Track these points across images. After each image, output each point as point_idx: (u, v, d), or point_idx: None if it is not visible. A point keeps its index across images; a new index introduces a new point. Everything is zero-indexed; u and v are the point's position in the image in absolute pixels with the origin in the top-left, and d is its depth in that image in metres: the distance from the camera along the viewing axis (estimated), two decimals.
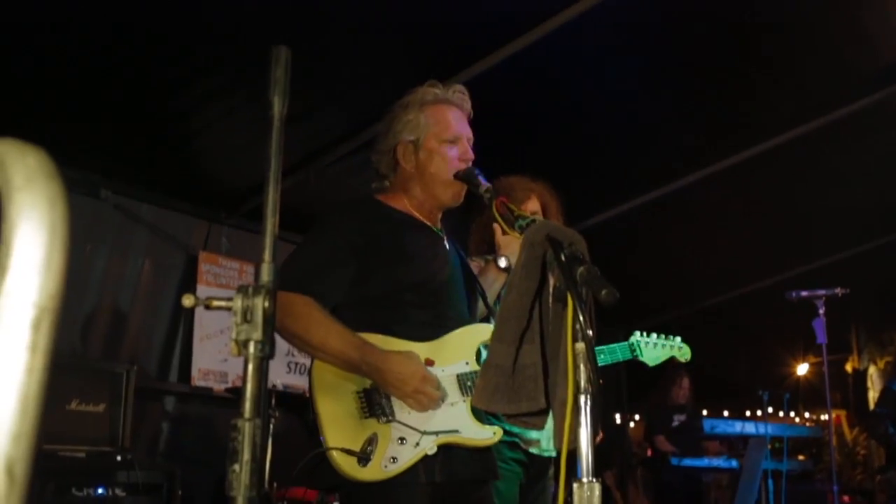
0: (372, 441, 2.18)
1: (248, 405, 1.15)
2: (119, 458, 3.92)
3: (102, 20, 3.64)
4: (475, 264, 3.00)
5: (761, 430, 6.31)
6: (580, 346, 1.49)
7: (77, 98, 4.18)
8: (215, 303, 1.20)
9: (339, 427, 2.20)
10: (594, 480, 1.48)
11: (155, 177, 5.12)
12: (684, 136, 5.33)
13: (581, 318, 1.48)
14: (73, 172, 4.61)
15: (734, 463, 6.73)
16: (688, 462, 6.74)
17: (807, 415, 10.08)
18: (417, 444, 2.20)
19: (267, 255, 1.22)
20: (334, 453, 2.15)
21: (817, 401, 9.41)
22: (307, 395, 2.31)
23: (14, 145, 0.79)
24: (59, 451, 3.75)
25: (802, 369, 9.13)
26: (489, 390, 1.72)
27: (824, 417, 9.16)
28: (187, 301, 1.17)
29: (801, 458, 7.50)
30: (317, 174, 4.88)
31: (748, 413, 9.40)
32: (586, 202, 5.81)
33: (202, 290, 5.42)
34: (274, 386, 4.73)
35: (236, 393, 4.82)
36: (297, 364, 5.65)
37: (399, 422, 2.21)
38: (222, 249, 5.64)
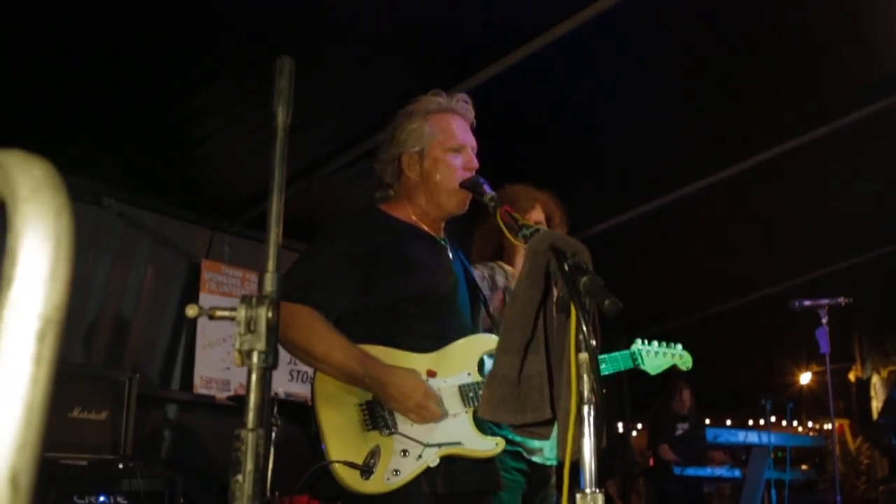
0: (374, 453, 2.17)
1: (251, 415, 1.15)
2: (121, 465, 3.91)
3: (106, 27, 3.65)
4: (479, 272, 3.01)
5: (764, 439, 6.30)
6: (583, 356, 1.49)
7: (80, 106, 4.19)
8: (219, 313, 1.20)
9: (341, 439, 2.19)
10: (597, 491, 1.48)
11: (158, 185, 5.13)
12: (687, 144, 5.33)
13: (584, 328, 1.48)
14: (76, 180, 4.62)
15: (737, 472, 6.71)
16: (690, 472, 6.73)
17: (810, 424, 10.06)
18: (420, 456, 2.20)
19: (271, 265, 1.22)
20: (337, 466, 2.14)
21: (820, 410, 9.40)
22: (309, 403, 2.31)
23: (20, 156, 0.80)
24: (61, 459, 3.74)
25: (805, 378, 9.12)
26: (495, 401, 1.72)
27: (827, 426, 9.14)
28: (191, 311, 1.17)
29: (804, 467, 7.48)
30: (319, 183, 4.89)
31: (751, 422, 9.38)
32: (590, 210, 5.82)
33: (205, 298, 5.42)
34: (276, 394, 4.73)
35: (238, 401, 4.85)
36: (299, 372, 5.65)
37: (401, 434, 2.21)
38: (225, 257, 5.65)
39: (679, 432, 7.25)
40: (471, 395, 2.31)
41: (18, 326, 0.72)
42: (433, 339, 2.35)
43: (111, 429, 4.07)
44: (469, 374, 2.35)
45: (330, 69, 4.03)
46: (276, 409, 4.29)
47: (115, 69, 3.96)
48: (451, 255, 2.55)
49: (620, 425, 9.25)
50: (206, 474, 4.95)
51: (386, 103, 2.85)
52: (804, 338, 5.40)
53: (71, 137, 4.40)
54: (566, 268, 1.56)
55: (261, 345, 1.15)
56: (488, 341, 2.43)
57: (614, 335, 7.51)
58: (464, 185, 2.44)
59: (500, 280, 3.28)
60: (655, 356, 3.33)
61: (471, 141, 2.53)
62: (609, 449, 6.68)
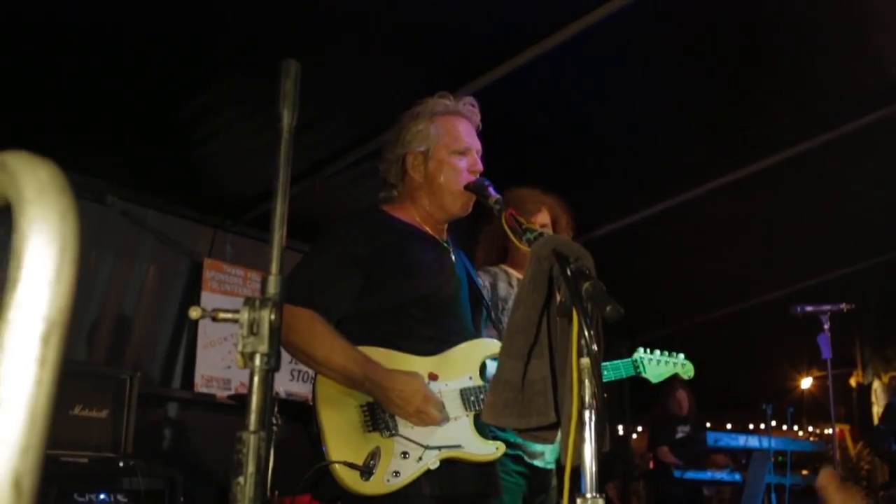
0: (375, 455, 2.18)
1: (253, 417, 1.15)
2: (121, 464, 3.91)
3: (110, 27, 3.65)
4: (480, 280, 3.00)
5: (765, 443, 6.29)
6: (585, 361, 1.49)
7: (84, 104, 4.20)
8: (222, 315, 1.20)
9: (342, 440, 2.19)
10: (598, 496, 1.48)
11: (161, 183, 5.14)
12: (690, 149, 5.33)
13: (586, 333, 1.48)
14: (79, 178, 4.62)
15: (737, 476, 6.71)
16: (690, 475, 6.72)
17: (810, 428, 10.05)
18: (420, 458, 2.20)
19: (274, 268, 1.22)
20: (337, 466, 2.14)
21: (821, 415, 9.40)
22: (310, 403, 2.31)
23: (26, 158, 0.80)
24: (62, 457, 3.74)
25: (806, 383, 9.12)
26: (499, 405, 1.72)
27: (828, 431, 9.13)
28: (194, 313, 1.17)
29: (804, 472, 7.45)
30: (323, 183, 4.89)
31: (751, 426, 9.37)
32: (592, 214, 5.82)
33: (206, 297, 5.43)
34: (277, 393, 4.73)
35: (239, 400, 4.85)
36: (300, 371, 5.66)
37: (402, 436, 2.21)
38: (227, 256, 5.65)
39: (680, 435, 7.25)
40: (472, 398, 2.31)
41: (23, 328, 0.72)
42: (435, 341, 2.35)
43: (112, 427, 4.07)
44: (471, 377, 2.35)
45: (333, 69, 4.03)
46: (276, 409, 4.30)
47: (120, 68, 3.96)
48: (453, 258, 2.55)
49: (621, 428, 9.25)
50: (207, 473, 4.95)
51: (389, 104, 2.85)
52: (805, 342, 5.40)
53: (75, 135, 4.41)
54: (569, 273, 1.56)
55: (263, 347, 1.15)
56: (490, 345, 2.43)
57: (615, 338, 7.53)
58: (468, 187, 2.44)
59: (503, 288, 3.28)
60: (657, 364, 3.34)
61: (476, 144, 2.54)
62: (610, 452, 6.67)
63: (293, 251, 4.22)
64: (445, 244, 2.56)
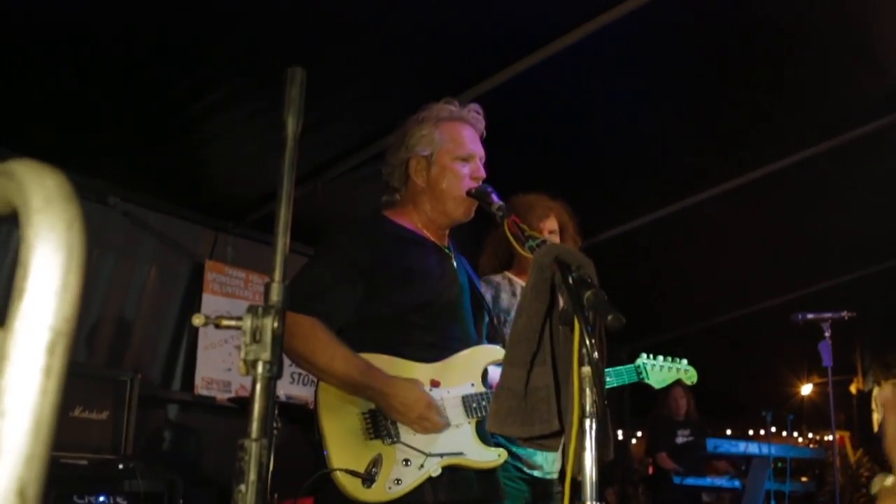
0: (376, 462, 2.17)
1: (255, 425, 1.15)
2: (121, 466, 3.91)
3: (113, 28, 3.66)
4: (483, 289, 3.00)
5: (764, 450, 6.29)
6: (586, 369, 1.50)
7: (87, 105, 4.20)
8: (225, 322, 1.20)
9: (343, 447, 2.19)
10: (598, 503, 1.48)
11: (163, 185, 5.14)
12: (693, 155, 5.33)
13: (587, 342, 1.48)
14: (81, 178, 4.62)
15: (737, 483, 6.70)
16: (690, 481, 6.72)
17: (810, 435, 10.04)
18: (422, 466, 2.20)
19: (277, 275, 1.22)
20: (338, 474, 2.14)
21: (821, 421, 9.37)
22: (310, 407, 2.31)
23: (32, 167, 0.80)
24: (62, 458, 3.74)
25: (806, 389, 9.10)
26: (502, 414, 1.73)
27: (828, 438, 9.12)
28: (197, 321, 1.17)
29: (804, 479, 7.45)
30: (325, 186, 4.89)
31: (751, 432, 9.37)
32: (594, 219, 5.82)
33: (207, 299, 5.43)
34: (277, 397, 4.73)
35: (239, 403, 4.85)
36: (300, 375, 5.66)
37: (404, 443, 2.21)
38: (228, 258, 5.66)
39: (680, 440, 7.23)
40: (474, 405, 2.31)
41: (29, 338, 0.72)
42: (437, 348, 2.35)
43: (112, 429, 4.07)
44: (472, 384, 2.35)
45: (336, 72, 4.04)
46: (276, 412, 4.30)
47: (123, 69, 3.96)
48: (455, 264, 2.55)
49: (620, 433, 9.24)
50: (207, 475, 4.95)
51: (392, 107, 2.86)
52: (806, 349, 5.40)
53: (78, 136, 4.42)
54: (570, 281, 1.56)
55: (266, 355, 1.15)
56: (492, 352, 2.43)
57: (617, 344, 7.52)
58: (471, 193, 2.44)
59: (505, 299, 3.27)
60: (660, 370, 3.32)
61: (479, 151, 2.54)
62: None
63: (295, 254, 4.20)
64: (447, 250, 2.56)
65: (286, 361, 1.43)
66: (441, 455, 2.22)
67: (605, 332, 1.58)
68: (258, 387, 1.16)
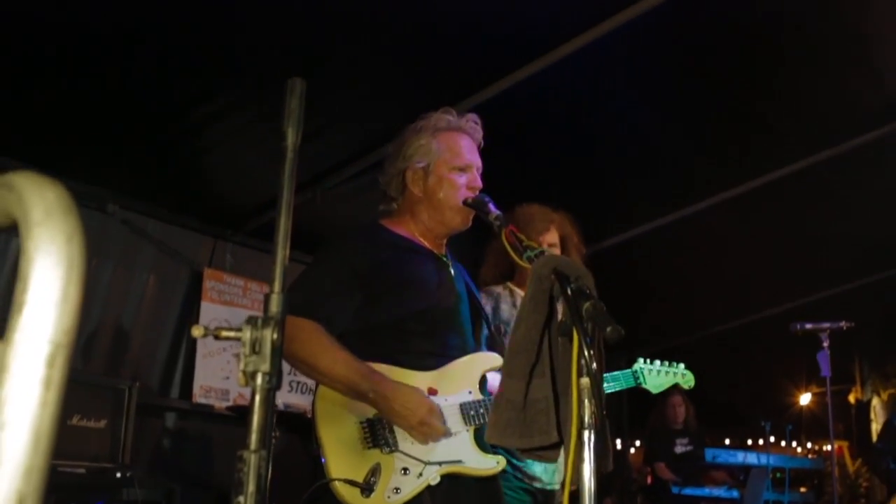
0: (375, 471, 2.18)
1: (254, 437, 1.15)
2: (119, 474, 3.90)
3: (113, 36, 3.66)
4: (483, 301, 3.00)
5: (763, 460, 6.28)
6: (585, 381, 1.50)
7: (87, 113, 4.20)
8: (224, 333, 1.20)
9: (342, 457, 2.19)
10: None
11: (162, 193, 5.14)
12: (692, 164, 5.34)
13: (586, 353, 1.48)
14: (80, 186, 4.62)
15: (735, 493, 6.69)
16: (688, 491, 6.70)
17: (809, 445, 10.04)
18: (420, 474, 2.20)
19: (277, 286, 1.22)
20: (337, 484, 2.15)
21: (819, 431, 9.39)
22: (308, 415, 2.31)
23: (33, 179, 0.80)
24: (60, 467, 3.72)
25: (805, 399, 9.11)
26: (501, 425, 1.73)
27: (826, 448, 9.12)
28: (196, 332, 1.17)
29: (802, 489, 7.45)
30: (324, 194, 4.90)
31: (750, 441, 9.36)
32: (593, 228, 5.82)
33: (206, 307, 5.43)
34: (275, 406, 4.72)
35: (238, 411, 4.84)
36: (298, 383, 5.65)
37: (402, 452, 2.21)
38: (227, 266, 5.65)
39: (679, 449, 7.21)
40: (472, 413, 2.31)
41: (29, 350, 0.73)
42: (435, 356, 2.36)
43: (110, 437, 4.05)
44: (470, 391, 2.35)
45: (336, 80, 4.04)
46: (275, 421, 4.29)
47: (122, 76, 3.97)
48: (452, 272, 2.56)
49: (619, 442, 9.23)
50: (205, 484, 4.94)
51: (392, 115, 2.86)
52: (804, 359, 5.40)
53: (77, 143, 4.42)
54: (569, 292, 1.57)
55: (265, 366, 1.16)
56: (490, 359, 2.43)
57: (615, 352, 7.52)
58: (468, 203, 2.44)
59: (506, 311, 3.27)
60: (657, 375, 3.32)
61: (477, 161, 2.54)
62: None
63: (293, 262, 4.21)
64: (444, 258, 2.57)
65: (285, 369, 1.43)
66: (439, 463, 2.23)
67: (604, 343, 1.59)
68: (257, 398, 1.16)
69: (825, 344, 4.77)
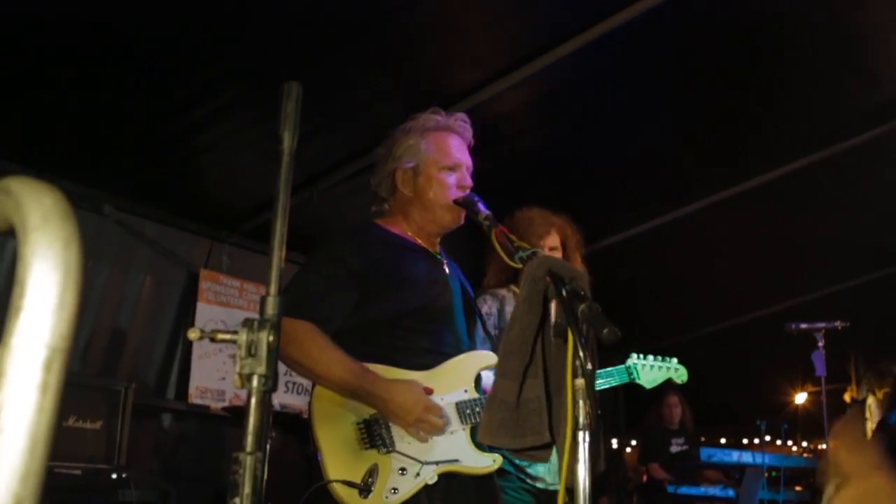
0: (373, 472, 2.18)
1: (250, 439, 1.16)
2: (115, 475, 3.89)
3: (109, 36, 3.66)
4: (487, 305, 3.00)
5: (758, 459, 6.29)
6: (580, 382, 1.50)
7: (83, 114, 4.20)
8: (220, 336, 1.21)
9: (339, 458, 2.20)
10: None
11: (158, 194, 5.14)
12: (687, 165, 5.35)
13: (581, 354, 1.49)
14: (76, 187, 4.62)
15: (730, 492, 6.70)
16: (684, 490, 6.71)
17: (804, 444, 10.05)
18: (418, 474, 2.21)
19: (273, 289, 1.23)
20: (335, 485, 2.15)
21: (815, 430, 9.38)
22: (304, 416, 2.32)
23: (30, 185, 0.80)
24: (55, 468, 3.72)
25: (801, 398, 9.12)
26: (494, 425, 1.73)
27: (822, 447, 9.13)
28: (193, 335, 1.18)
29: (797, 488, 7.46)
30: (319, 195, 4.90)
31: (745, 441, 9.37)
32: (587, 228, 5.82)
33: (202, 308, 5.42)
34: (272, 407, 4.72)
35: (233, 412, 4.84)
36: (294, 384, 5.65)
37: (399, 452, 2.21)
38: (223, 267, 5.65)
39: (674, 448, 7.22)
40: (468, 411, 2.32)
41: (25, 355, 0.73)
42: (430, 354, 2.36)
43: (106, 438, 4.05)
44: (466, 390, 2.36)
45: (330, 82, 4.04)
46: (271, 422, 4.29)
47: (118, 77, 3.97)
48: (447, 270, 2.56)
49: (615, 442, 9.24)
50: (200, 485, 4.93)
51: (385, 118, 2.86)
52: (800, 358, 5.41)
53: (73, 145, 4.41)
54: (564, 294, 1.57)
55: (261, 369, 1.16)
56: (485, 357, 2.44)
57: (609, 352, 7.52)
58: (458, 202, 2.45)
59: (510, 312, 3.26)
60: (651, 370, 3.33)
61: (466, 160, 2.55)
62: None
63: (288, 263, 4.21)
64: (438, 256, 2.57)
65: (281, 370, 1.44)
66: (437, 462, 2.23)
67: (599, 343, 1.59)
68: (253, 400, 1.17)
69: (820, 343, 4.79)
